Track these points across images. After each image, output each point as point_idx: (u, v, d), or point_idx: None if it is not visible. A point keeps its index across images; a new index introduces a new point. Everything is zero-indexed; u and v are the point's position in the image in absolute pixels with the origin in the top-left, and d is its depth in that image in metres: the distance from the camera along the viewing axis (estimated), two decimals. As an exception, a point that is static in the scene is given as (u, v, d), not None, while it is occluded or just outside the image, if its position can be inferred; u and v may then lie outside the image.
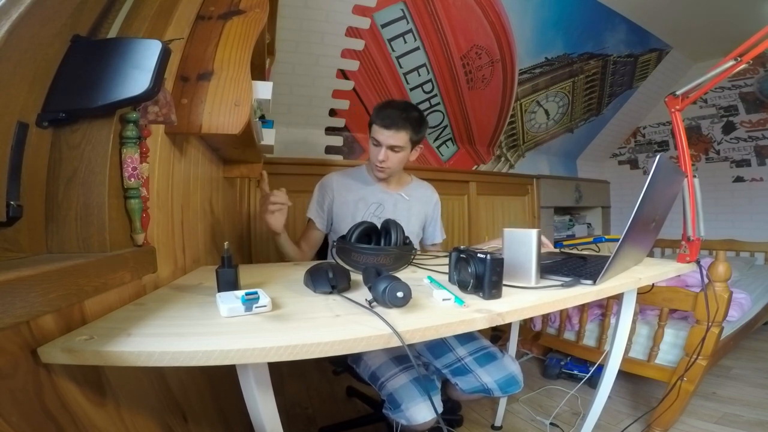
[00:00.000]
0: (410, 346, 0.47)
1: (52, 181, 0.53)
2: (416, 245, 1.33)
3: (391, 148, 1.19)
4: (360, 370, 1.05)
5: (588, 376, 1.37)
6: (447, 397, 1.14)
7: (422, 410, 0.86)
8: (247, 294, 0.51)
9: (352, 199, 1.26)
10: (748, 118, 3.10)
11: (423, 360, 1.11)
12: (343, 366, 1.14)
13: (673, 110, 1.14)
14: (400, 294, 0.54)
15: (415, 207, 1.34)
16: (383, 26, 2.00)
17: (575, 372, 1.82)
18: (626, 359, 1.51)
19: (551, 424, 1.45)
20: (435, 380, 1.01)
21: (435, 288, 0.66)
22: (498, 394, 1.01)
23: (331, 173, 1.32)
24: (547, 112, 2.97)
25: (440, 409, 0.92)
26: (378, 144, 1.19)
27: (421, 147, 1.27)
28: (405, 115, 1.17)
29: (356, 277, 0.74)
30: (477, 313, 0.55)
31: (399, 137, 1.17)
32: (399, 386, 0.91)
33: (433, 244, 1.43)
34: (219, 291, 0.60)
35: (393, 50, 2.13)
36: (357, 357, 1.06)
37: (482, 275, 0.62)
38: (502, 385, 0.99)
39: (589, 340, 1.74)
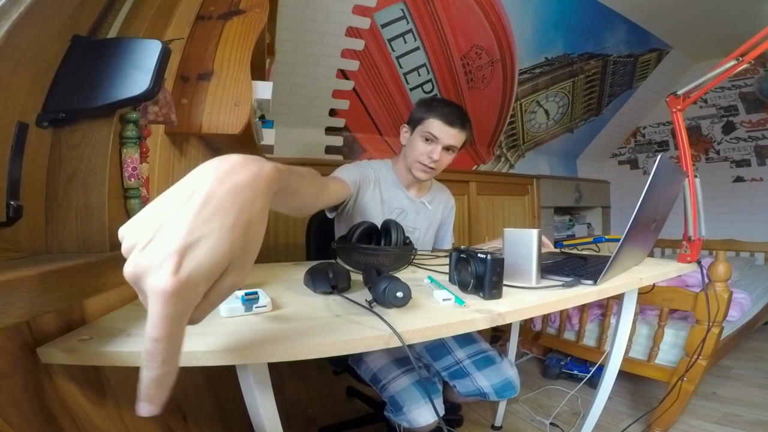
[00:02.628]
0: (410, 347, 0.47)
1: (52, 181, 0.53)
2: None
3: (448, 148, 1.12)
4: (361, 371, 1.05)
5: (588, 376, 1.37)
6: (445, 398, 1.14)
7: (424, 413, 0.86)
8: (246, 294, 0.51)
9: (380, 198, 1.18)
10: (748, 118, 3.10)
11: (424, 362, 1.11)
12: (343, 366, 1.14)
13: (674, 110, 1.14)
14: (399, 294, 0.54)
15: (435, 215, 1.30)
16: (383, 26, 2.00)
17: (575, 372, 1.82)
18: (626, 359, 1.51)
19: (551, 424, 1.45)
20: (436, 382, 1.01)
21: (435, 288, 0.65)
22: (494, 398, 1.01)
23: (376, 163, 1.23)
24: (547, 112, 2.97)
25: (442, 412, 0.92)
26: (433, 139, 1.10)
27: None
28: (464, 115, 1.12)
29: (356, 277, 0.74)
30: (477, 313, 0.55)
31: (460, 137, 1.11)
32: (401, 389, 0.91)
33: (441, 249, 1.38)
34: (219, 291, 0.60)
35: (393, 50, 2.13)
36: (358, 358, 1.06)
37: (482, 275, 0.62)
38: (498, 390, 0.99)
39: (589, 340, 1.74)
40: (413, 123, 1.15)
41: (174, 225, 0.27)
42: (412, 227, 1.23)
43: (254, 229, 0.31)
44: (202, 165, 0.31)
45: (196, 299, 0.28)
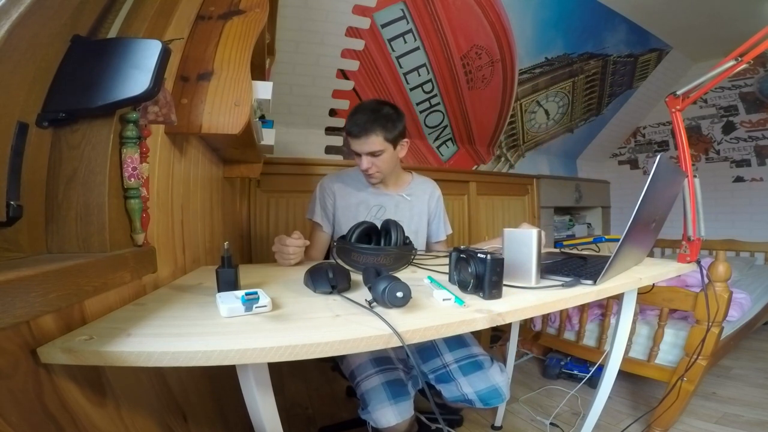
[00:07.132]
0: (403, 347, 0.47)
1: (52, 181, 0.53)
2: (422, 245, 1.31)
3: (371, 154, 1.12)
4: (343, 367, 1.06)
5: (588, 376, 1.37)
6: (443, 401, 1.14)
7: (387, 414, 0.87)
8: (247, 294, 0.51)
9: (354, 203, 1.23)
10: (748, 118, 3.10)
11: (409, 363, 1.09)
12: (333, 361, 1.14)
13: (673, 110, 1.14)
14: (399, 294, 0.54)
15: (417, 206, 1.31)
16: (383, 26, 2.00)
17: (575, 372, 1.82)
18: (626, 359, 1.51)
19: (551, 424, 1.45)
20: (408, 386, 0.97)
21: (435, 288, 0.66)
22: (479, 406, 0.99)
23: (330, 176, 1.28)
24: (547, 112, 2.97)
25: (409, 414, 0.90)
26: (358, 153, 1.14)
27: (406, 142, 1.19)
28: (373, 117, 1.09)
29: (356, 277, 0.74)
30: (477, 313, 0.55)
31: (372, 142, 1.10)
32: (370, 388, 0.91)
33: (437, 241, 1.38)
34: (219, 291, 0.60)
35: (393, 50, 2.13)
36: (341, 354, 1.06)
37: (482, 275, 0.62)
38: (483, 397, 0.97)
39: (589, 340, 1.74)
40: None
41: None
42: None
43: None
44: None
45: None
